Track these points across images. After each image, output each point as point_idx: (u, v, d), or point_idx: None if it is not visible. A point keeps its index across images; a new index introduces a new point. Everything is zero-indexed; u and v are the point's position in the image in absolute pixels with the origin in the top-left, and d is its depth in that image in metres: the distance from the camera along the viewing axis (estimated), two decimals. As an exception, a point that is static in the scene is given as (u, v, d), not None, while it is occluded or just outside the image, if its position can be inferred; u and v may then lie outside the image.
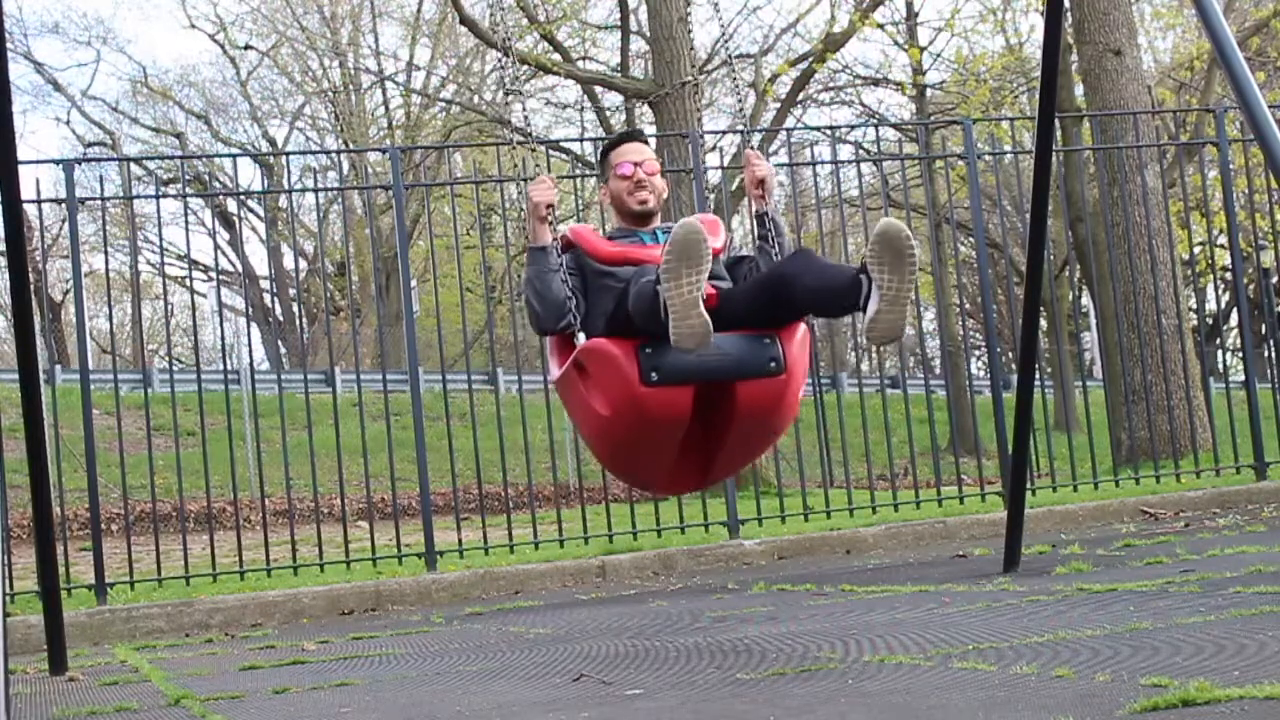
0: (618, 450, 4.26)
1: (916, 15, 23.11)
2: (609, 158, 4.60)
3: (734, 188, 17.66)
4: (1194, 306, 18.72)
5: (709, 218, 4.53)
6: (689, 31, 12.59)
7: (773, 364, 4.00)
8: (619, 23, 20.74)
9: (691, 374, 3.93)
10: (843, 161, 10.35)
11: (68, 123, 43.12)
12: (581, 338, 4.20)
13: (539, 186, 4.35)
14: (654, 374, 3.89)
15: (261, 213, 29.38)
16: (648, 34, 16.66)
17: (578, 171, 14.62)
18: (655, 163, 4.58)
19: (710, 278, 4.01)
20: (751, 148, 4.68)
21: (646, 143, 4.72)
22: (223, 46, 33.12)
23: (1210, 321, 20.58)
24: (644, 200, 4.49)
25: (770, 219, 4.45)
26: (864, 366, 22.24)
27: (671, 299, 3.74)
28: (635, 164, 4.52)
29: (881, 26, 22.94)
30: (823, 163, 10.43)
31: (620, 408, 4.01)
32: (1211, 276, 22.36)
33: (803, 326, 4.14)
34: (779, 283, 4.01)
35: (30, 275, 4.38)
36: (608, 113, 22.74)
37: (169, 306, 24.30)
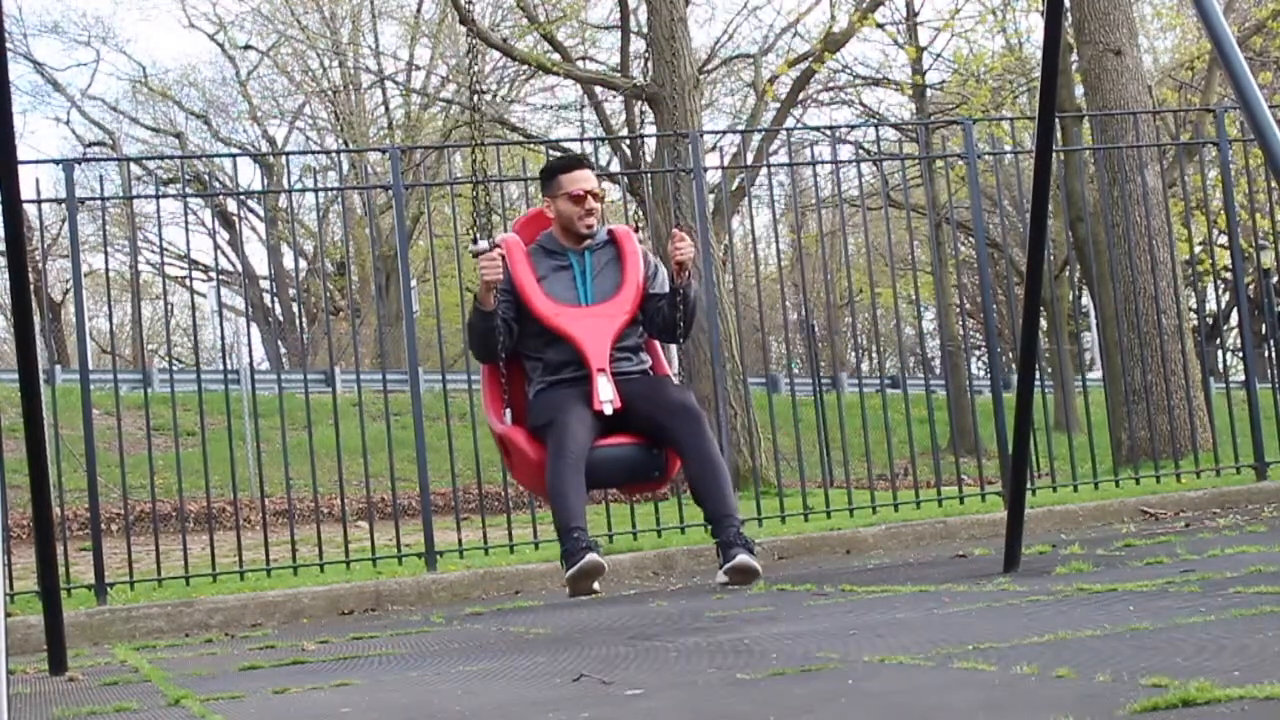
0: (528, 487, 5.54)
1: (916, 15, 23.12)
2: (559, 179, 5.26)
3: (734, 188, 17.67)
4: (1194, 306, 18.73)
5: (629, 245, 5.28)
6: (692, 29, 12.60)
7: (656, 473, 5.13)
8: (619, 23, 20.75)
9: (591, 484, 4.95)
10: (843, 161, 10.35)
11: (68, 123, 43.18)
12: (508, 415, 5.24)
13: (489, 266, 5.05)
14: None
15: (261, 213, 29.38)
16: (647, 34, 16.67)
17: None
18: (600, 188, 5.34)
19: (622, 338, 5.12)
20: (679, 228, 5.33)
21: (593, 167, 5.50)
22: (222, 46, 33.17)
23: (1210, 321, 20.59)
24: (590, 226, 5.21)
25: (682, 294, 5.17)
26: (864, 366, 22.25)
27: (570, 585, 4.90)
28: (587, 191, 5.22)
29: (881, 26, 22.96)
30: (823, 163, 10.43)
31: (531, 484, 5.24)
32: (1211, 276, 22.37)
33: None
34: (673, 441, 5.01)
35: (30, 275, 4.38)
36: (607, 112, 22.76)
37: (169, 306, 24.32)
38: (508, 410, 5.19)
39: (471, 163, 5.42)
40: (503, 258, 5.11)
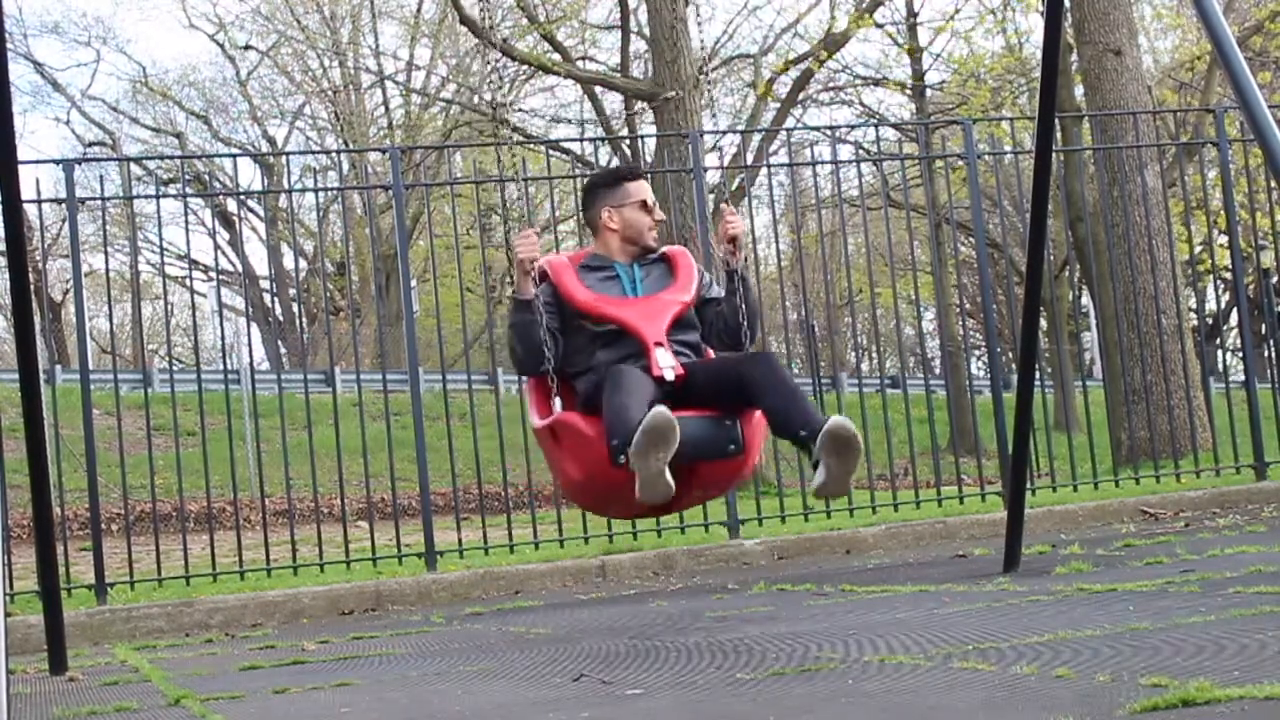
0: (586, 502, 4.81)
1: (916, 15, 23.12)
2: (628, 187, 4.85)
3: (734, 188, 17.65)
4: (1194, 306, 18.73)
5: (684, 259, 4.87)
6: (698, 28, 12.59)
7: (732, 446, 4.38)
8: (619, 23, 20.76)
9: None
10: (843, 161, 10.33)
11: (68, 123, 43.19)
12: (558, 403, 4.55)
13: (524, 242, 4.60)
14: (622, 458, 4.14)
15: (261, 213, 29.38)
16: (648, 34, 16.67)
17: (577, 171, 14.62)
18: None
19: (678, 328, 4.59)
20: (727, 204, 4.92)
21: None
22: (222, 46, 33.15)
23: (1210, 321, 20.58)
24: (657, 238, 4.81)
25: (739, 276, 4.71)
26: (864, 366, 22.25)
27: (640, 470, 4.05)
28: (654, 203, 4.85)
29: (881, 26, 22.95)
30: (823, 163, 10.43)
31: (590, 476, 4.41)
32: (1211, 276, 22.36)
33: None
34: (743, 388, 4.36)
35: (30, 275, 4.38)
36: (608, 113, 22.76)
37: (169, 306, 24.31)
38: (556, 400, 4.56)
39: (497, 161, 5.15)
40: (538, 237, 4.69)
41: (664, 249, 4.97)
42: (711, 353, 4.85)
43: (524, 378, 4.82)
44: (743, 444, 4.40)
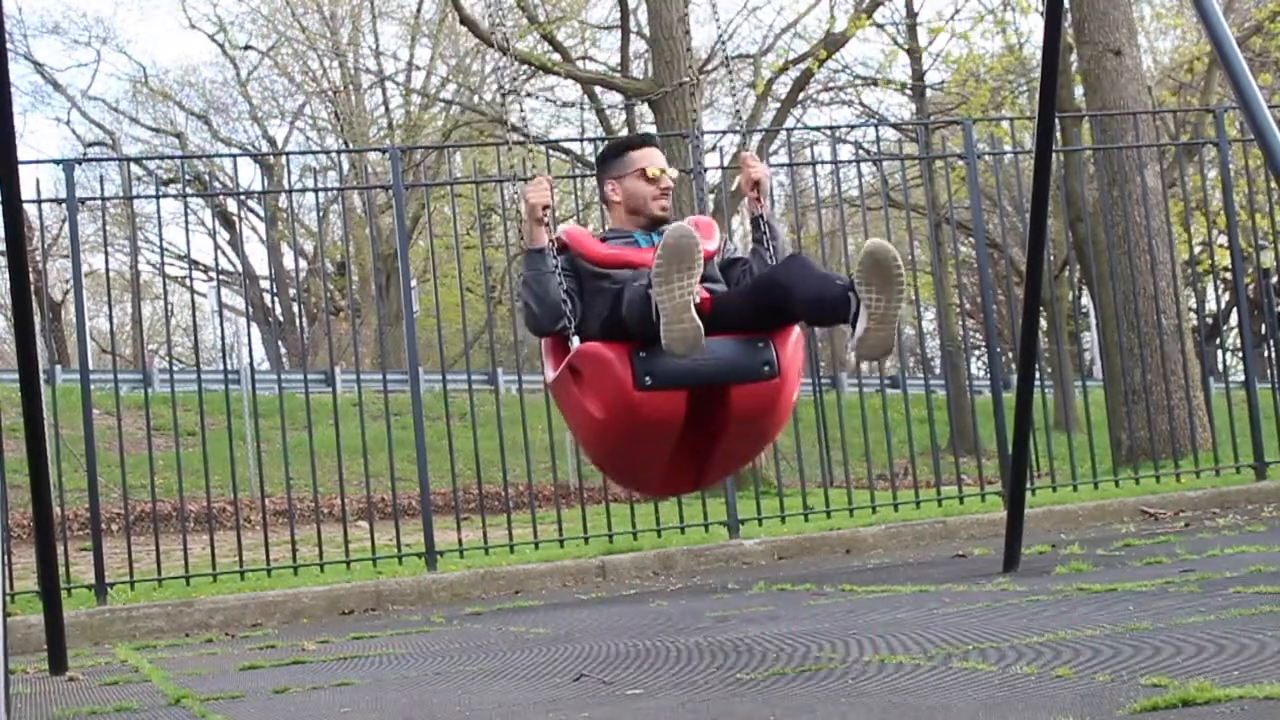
0: (613, 452, 4.27)
1: (916, 15, 23.11)
2: (631, 155, 4.57)
3: (734, 188, 17.65)
4: (1194, 306, 18.71)
5: (704, 220, 4.55)
6: (687, 32, 12.59)
7: (766, 368, 4.02)
8: (619, 23, 20.76)
9: (685, 378, 3.94)
10: (843, 161, 10.33)
11: (68, 123, 43.16)
12: (576, 341, 4.17)
13: (536, 188, 4.29)
14: (648, 378, 3.90)
15: (261, 213, 29.38)
16: (647, 34, 16.67)
17: (577, 171, 14.62)
18: (673, 171, 4.61)
19: (704, 280, 4.05)
20: (747, 149, 4.69)
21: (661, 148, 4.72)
22: (223, 47, 33.13)
23: (1210, 321, 20.58)
24: (665, 208, 4.51)
25: (765, 222, 4.44)
26: (864, 366, 22.23)
27: (663, 302, 3.75)
28: (662, 170, 4.53)
29: (881, 26, 22.94)
30: (823, 163, 10.43)
31: (614, 411, 4.01)
32: (1211, 276, 22.36)
33: (796, 329, 4.15)
34: (772, 288, 4.02)
35: (30, 275, 4.38)
36: (607, 112, 22.74)
37: (169, 306, 24.27)
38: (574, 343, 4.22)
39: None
40: (550, 185, 4.36)
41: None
42: None
43: (540, 338, 4.44)
44: (778, 366, 4.05)
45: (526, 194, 4.30)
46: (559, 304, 4.19)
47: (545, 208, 4.28)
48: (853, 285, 3.79)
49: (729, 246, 4.62)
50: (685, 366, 3.90)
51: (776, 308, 4.03)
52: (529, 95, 26.24)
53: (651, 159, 4.57)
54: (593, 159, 17.48)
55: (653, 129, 15.53)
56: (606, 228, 4.66)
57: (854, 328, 3.80)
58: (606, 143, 4.83)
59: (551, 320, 4.23)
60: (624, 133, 21.86)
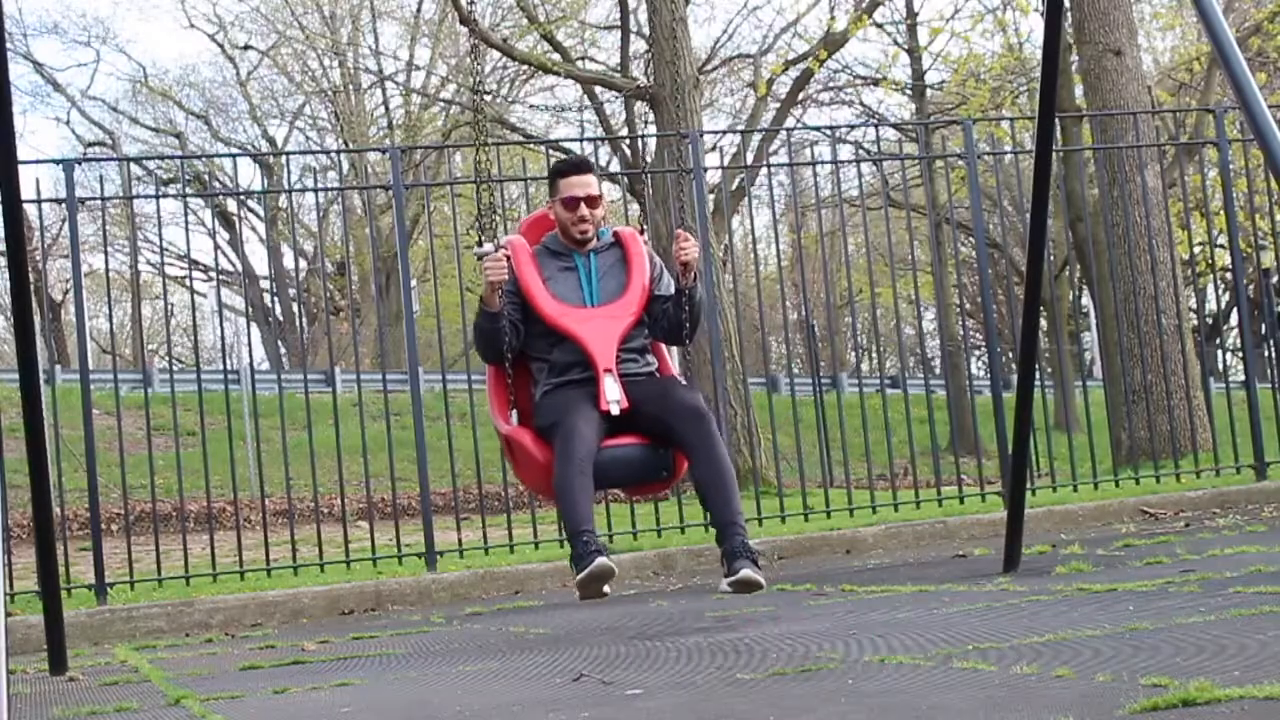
0: (542, 495, 5.34)
1: (916, 15, 23.12)
2: (558, 183, 5.18)
3: (734, 188, 17.67)
4: (1194, 306, 18.72)
5: (635, 247, 5.18)
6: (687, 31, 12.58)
7: (664, 473, 5.02)
8: (619, 23, 20.75)
9: (599, 484, 4.84)
10: (843, 161, 10.35)
11: (68, 123, 43.13)
12: (512, 387, 5.13)
13: (494, 266, 4.98)
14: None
15: (261, 213, 29.37)
16: (647, 34, 16.66)
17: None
18: (599, 194, 5.19)
19: (627, 339, 5.01)
20: (682, 229, 5.19)
21: (594, 171, 5.28)
22: (222, 46, 33.14)
23: (1210, 321, 20.59)
24: (584, 232, 5.12)
25: (687, 296, 5.06)
26: (864, 366, 22.25)
27: (580, 589, 4.64)
28: (579, 198, 5.11)
29: (881, 26, 22.94)
30: (823, 163, 10.44)
31: (537, 486, 5.13)
32: (1211, 276, 22.36)
33: None
34: (676, 440, 4.91)
35: (30, 275, 4.38)
36: (606, 111, 22.74)
37: (169, 306, 24.28)
38: (514, 411, 5.11)
39: (475, 163, 5.30)
40: (508, 259, 5.04)
41: (616, 230, 5.30)
42: (660, 348, 5.29)
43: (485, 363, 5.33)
44: (673, 470, 5.02)
45: (486, 271, 5.02)
46: (502, 352, 5.07)
47: (500, 284, 4.99)
48: (725, 561, 4.83)
49: (656, 272, 5.28)
50: (598, 472, 4.77)
51: (677, 448, 4.95)
52: (528, 102, 26.25)
53: (572, 186, 5.13)
54: (592, 158, 17.50)
55: (653, 129, 15.54)
56: (552, 234, 5.26)
57: (724, 573, 4.82)
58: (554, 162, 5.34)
59: (495, 360, 5.15)
60: (624, 132, 21.88)
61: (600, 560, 4.55)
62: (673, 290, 5.13)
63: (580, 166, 5.22)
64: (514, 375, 5.14)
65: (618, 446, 4.87)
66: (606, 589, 4.64)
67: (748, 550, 4.80)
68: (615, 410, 4.85)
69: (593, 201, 5.11)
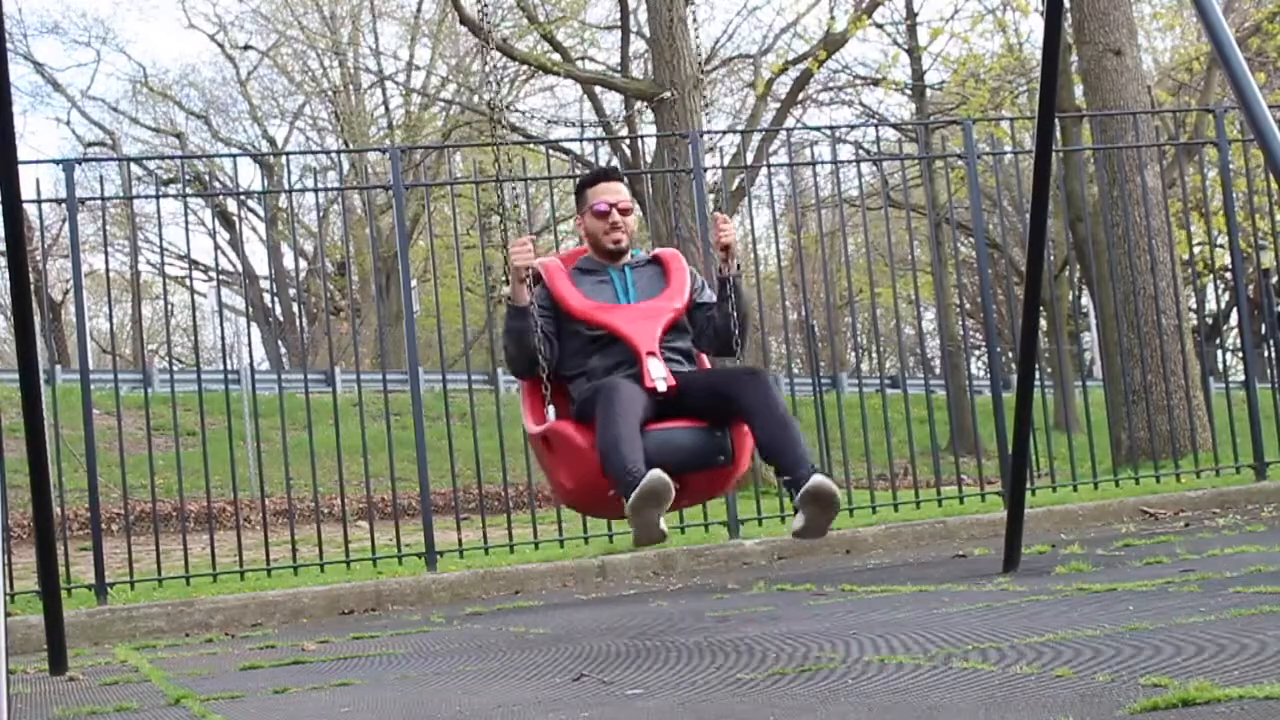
0: (580, 506, 4.90)
1: (916, 15, 23.11)
2: (585, 194, 4.94)
3: (734, 188, 17.66)
4: (1194, 306, 18.72)
5: (675, 262, 4.93)
6: (691, 30, 12.58)
7: (721, 457, 4.48)
8: (619, 23, 20.75)
9: (649, 468, 4.25)
10: (843, 161, 10.33)
11: (68, 123, 43.21)
12: (551, 410, 4.61)
13: (519, 250, 4.65)
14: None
15: (261, 213, 29.37)
16: (647, 34, 16.66)
17: (577, 171, 14.62)
18: (629, 201, 4.95)
19: (671, 334, 4.68)
20: (720, 212, 4.93)
21: (622, 179, 5.09)
22: (222, 46, 33.16)
23: (1210, 321, 20.59)
24: (618, 240, 4.86)
25: (731, 284, 4.75)
26: (864, 366, 22.25)
27: (634, 523, 4.18)
28: (611, 204, 4.88)
29: (881, 26, 22.94)
30: (823, 163, 10.42)
31: (581, 484, 4.50)
32: (1211, 276, 22.35)
33: None
34: (736, 405, 4.42)
35: (30, 275, 4.38)
36: (607, 113, 22.74)
37: (169, 306, 24.31)
38: (550, 407, 4.63)
39: (495, 163, 5.08)
40: (533, 242, 4.74)
41: (656, 251, 5.07)
42: (705, 358, 4.92)
43: (520, 381, 4.92)
44: (732, 455, 4.49)
45: (510, 256, 4.67)
46: (536, 357, 4.64)
47: (528, 269, 4.65)
48: (798, 492, 4.24)
49: (698, 284, 4.90)
50: (649, 457, 4.25)
51: (734, 417, 4.46)
52: (518, 109, 26.26)
53: (601, 194, 4.91)
54: (592, 159, 17.53)
55: (653, 129, 15.53)
56: (585, 256, 5.00)
57: (794, 515, 4.29)
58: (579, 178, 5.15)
59: (528, 370, 4.71)
60: (623, 131, 21.87)
61: (655, 474, 4.07)
62: (715, 299, 4.85)
63: (608, 175, 5.04)
64: (551, 393, 4.65)
65: (667, 429, 4.40)
66: (663, 525, 4.17)
67: (817, 468, 4.30)
68: (662, 386, 4.46)
69: (624, 209, 4.88)
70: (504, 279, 4.78)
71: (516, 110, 28.02)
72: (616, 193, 4.91)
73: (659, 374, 4.49)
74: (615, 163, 18.75)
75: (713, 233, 4.80)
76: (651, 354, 4.56)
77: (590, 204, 4.88)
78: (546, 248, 20.92)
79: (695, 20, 5.78)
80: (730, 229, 4.73)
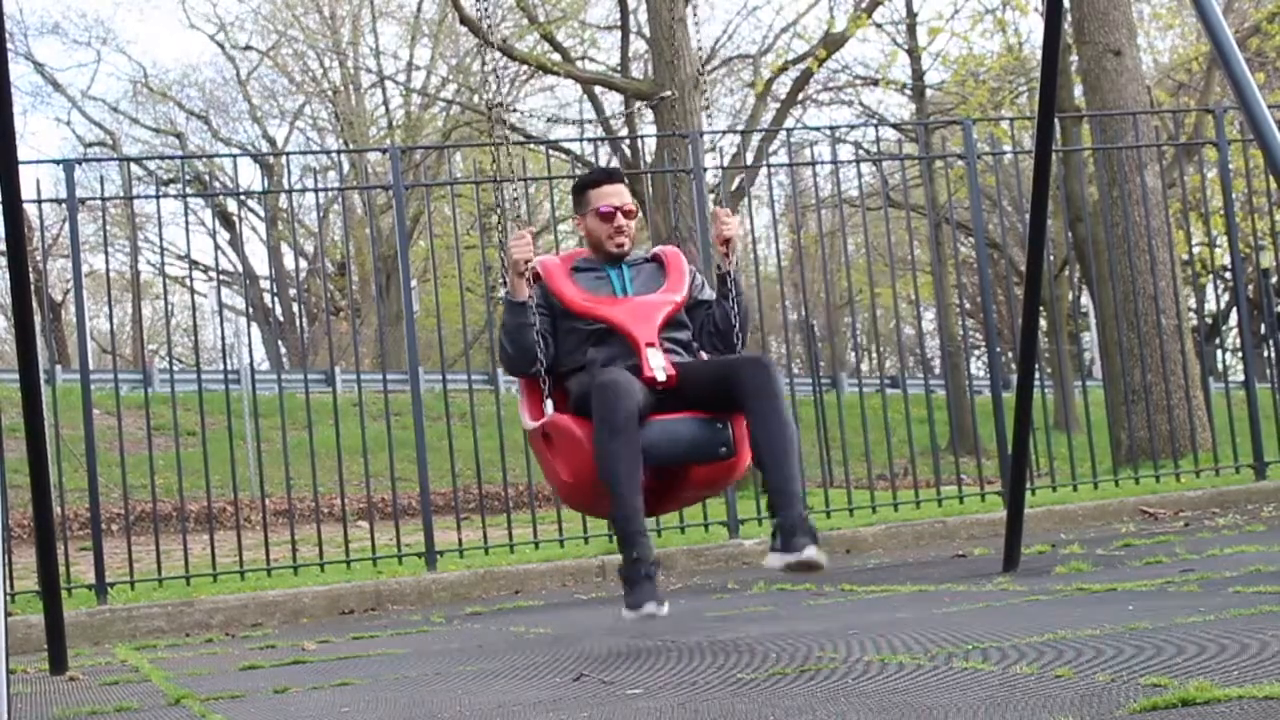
0: (577, 501, 4.72)
1: (915, 15, 23.11)
2: (588, 195, 4.84)
3: (734, 188, 17.65)
4: (1194, 306, 18.72)
5: (674, 259, 4.85)
6: (691, 30, 12.58)
7: (723, 449, 4.37)
8: (619, 23, 20.76)
9: (648, 460, 4.23)
10: (843, 161, 10.34)
11: (68, 123, 43.24)
12: (550, 404, 4.52)
13: (518, 244, 4.57)
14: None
15: (261, 213, 29.38)
16: (647, 34, 16.66)
17: (577, 171, 14.63)
18: (633, 204, 4.84)
19: (670, 328, 4.60)
20: (721, 206, 4.86)
21: (624, 180, 4.99)
22: (223, 46, 33.16)
23: (1210, 321, 20.59)
24: (621, 244, 4.76)
25: (731, 278, 4.69)
26: (864, 366, 22.25)
27: (625, 587, 4.18)
28: (615, 207, 4.77)
29: (880, 26, 22.94)
30: (823, 163, 10.43)
31: (580, 478, 4.37)
32: (1211, 276, 22.35)
33: None
34: (735, 394, 4.30)
35: (30, 275, 4.38)
36: (607, 113, 22.74)
37: (169, 306, 24.27)
38: (548, 401, 4.56)
39: (494, 163, 5.04)
40: (532, 236, 4.65)
41: (655, 249, 4.98)
42: (704, 356, 4.82)
43: (516, 379, 4.84)
44: (734, 446, 4.38)
45: (510, 251, 4.59)
46: (533, 353, 4.57)
47: (527, 262, 4.57)
48: (778, 536, 4.09)
49: (697, 281, 4.82)
50: (648, 449, 4.21)
51: (735, 407, 4.34)
52: (517, 109, 26.25)
53: (605, 196, 4.81)
54: (592, 158, 17.54)
55: (653, 129, 15.53)
56: (584, 252, 4.92)
57: (771, 547, 4.13)
58: (578, 179, 5.03)
59: (525, 367, 4.62)
60: (623, 131, 21.87)
61: (650, 606, 4.07)
62: (714, 295, 4.79)
63: (611, 176, 4.94)
64: (549, 389, 4.59)
65: (667, 420, 4.31)
66: (659, 608, 4.14)
67: (808, 525, 4.08)
68: (661, 376, 4.37)
69: (628, 212, 4.78)
70: (503, 278, 4.72)
71: (516, 110, 28.04)
72: (620, 195, 4.83)
73: (658, 363, 4.42)
74: (615, 163, 18.74)
75: (713, 227, 4.73)
76: (650, 345, 4.48)
77: (594, 205, 4.79)
78: (546, 248, 20.92)
79: (695, 19, 5.78)
80: (733, 223, 4.67)
